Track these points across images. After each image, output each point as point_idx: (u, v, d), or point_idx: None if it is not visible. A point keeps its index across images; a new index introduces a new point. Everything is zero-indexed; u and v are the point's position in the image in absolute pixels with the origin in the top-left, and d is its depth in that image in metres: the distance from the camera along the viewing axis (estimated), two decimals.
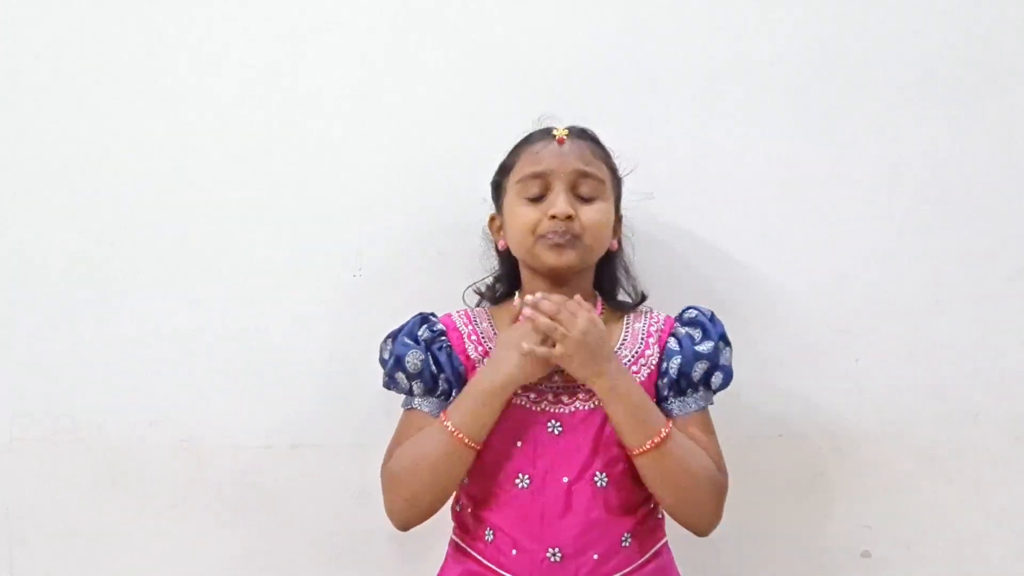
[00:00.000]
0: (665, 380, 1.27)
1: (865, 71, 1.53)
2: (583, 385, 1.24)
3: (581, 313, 1.20)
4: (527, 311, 1.21)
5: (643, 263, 1.41)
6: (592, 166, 1.26)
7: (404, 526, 1.27)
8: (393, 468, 1.26)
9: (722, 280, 1.55)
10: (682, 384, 1.26)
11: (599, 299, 1.34)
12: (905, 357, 1.56)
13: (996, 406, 1.56)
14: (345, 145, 1.55)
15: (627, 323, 1.33)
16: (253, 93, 1.54)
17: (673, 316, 1.34)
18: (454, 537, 1.33)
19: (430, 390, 1.28)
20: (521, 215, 1.26)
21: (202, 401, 1.56)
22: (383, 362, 1.32)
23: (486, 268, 1.43)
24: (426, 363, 1.26)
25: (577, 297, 1.24)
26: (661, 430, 1.20)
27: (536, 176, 1.25)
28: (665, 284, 1.44)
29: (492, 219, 1.36)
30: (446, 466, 1.22)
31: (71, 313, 1.55)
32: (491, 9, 1.53)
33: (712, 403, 1.30)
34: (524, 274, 1.33)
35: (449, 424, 1.21)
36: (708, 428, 1.28)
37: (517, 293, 1.33)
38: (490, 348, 1.29)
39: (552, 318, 1.19)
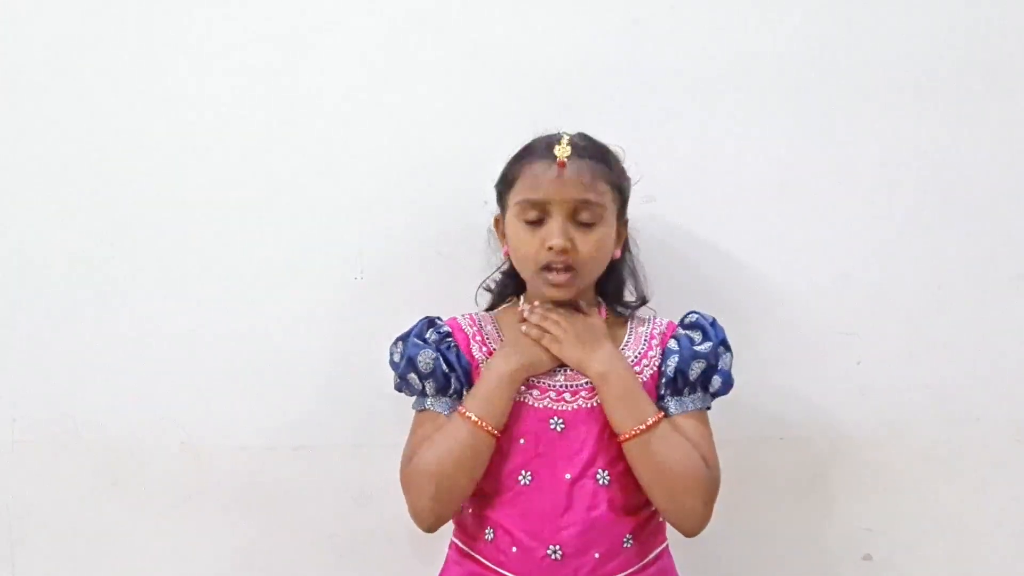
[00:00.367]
0: (663, 380, 1.27)
1: (866, 71, 1.53)
2: (586, 383, 1.26)
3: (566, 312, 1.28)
4: (524, 328, 1.28)
5: (644, 264, 1.40)
6: (592, 192, 1.24)
7: (432, 526, 1.27)
8: (418, 467, 1.25)
9: (723, 281, 1.55)
10: (679, 383, 1.26)
11: (602, 304, 1.35)
12: (906, 358, 1.56)
13: (997, 407, 1.56)
14: (346, 146, 1.55)
15: (631, 327, 1.34)
16: (254, 94, 1.55)
17: (676, 321, 1.34)
18: (454, 539, 1.33)
19: (442, 389, 1.28)
20: (521, 241, 1.26)
21: (203, 402, 1.56)
22: (394, 365, 1.32)
23: (490, 267, 1.43)
24: (437, 362, 1.27)
25: (581, 303, 1.30)
26: (649, 418, 1.22)
27: (534, 204, 1.25)
28: (666, 286, 1.43)
29: (497, 221, 1.36)
30: (471, 457, 1.23)
31: (72, 313, 1.55)
32: (492, 9, 1.53)
33: (710, 406, 1.30)
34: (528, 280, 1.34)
35: (471, 414, 1.22)
36: (703, 428, 1.28)
37: (522, 297, 1.35)
38: (495, 350, 1.30)
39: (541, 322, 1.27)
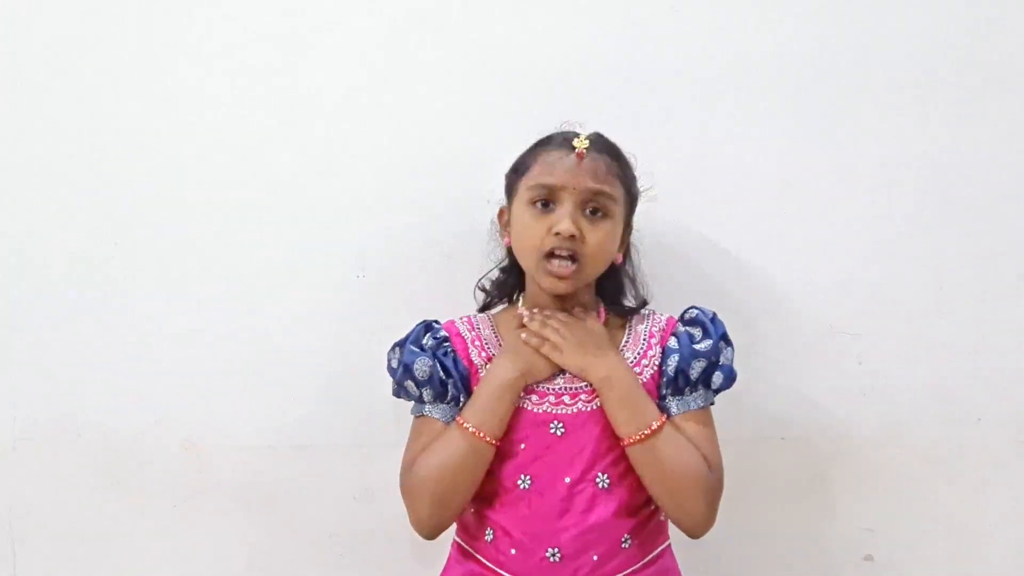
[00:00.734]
0: (664, 379, 1.27)
1: (867, 71, 1.53)
2: (585, 386, 1.26)
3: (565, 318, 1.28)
4: (523, 335, 1.27)
5: (645, 264, 1.40)
6: (606, 184, 1.25)
7: (432, 534, 1.27)
8: (418, 477, 1.25)
9: (724, 281, 1.55)
10: (680, 382, 1.26)
11: (601, 306, 1.34)
12: (908, 359, 1.56)
13: (999, 408, 1.56)
14: (348, 146, 1.55)
15: (630, 326, 1.33)
16: (255, 93, 1.54)
17: (676, 317, 1.34)
18: (457, 538, 1.33)
19: (440, 396, 1.28)
20: (527, 227, 1.26)
21: (204, 401, 1.56)
22: (392, 371, 1.32)
23: (492, 262, 1.42)
24: (434, 369, 1.27)
25: (577, 310, 1.29)
26: (653, 422, 1.22)
27: (547, 187, 1.24)
28: (667, 285, 1.43)
29: (501, 213, 1.36)
30: (471, 467, 1.23)
31: (73, 313, 1.56)
32: (493, 10, 1.53)
33: (712, 403, 1.30)
34: (527, 275, 1.33)
35: (468, 425, 1.22)
36: (707, 428, 1.28)
37: (521, 300, 1.34)
38: (493, 354, 1.30)
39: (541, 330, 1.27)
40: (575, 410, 1.25)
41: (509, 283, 1.38)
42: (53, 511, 1.57)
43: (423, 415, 1.29)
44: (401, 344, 1.31)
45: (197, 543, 1.57)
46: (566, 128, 1.29)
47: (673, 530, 1.30)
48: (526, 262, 1.29)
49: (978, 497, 1.56)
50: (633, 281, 1.38)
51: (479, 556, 1.27)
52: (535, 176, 1.26)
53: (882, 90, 1.53)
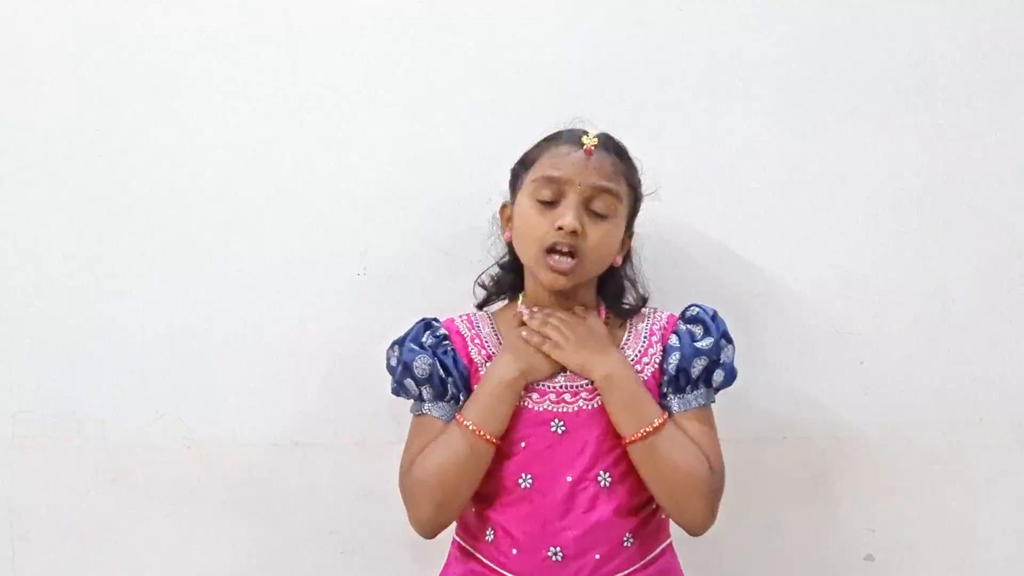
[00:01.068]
0: (665, 377, 1.27)
1: (871, 71, 1.53)
2: (586, 384, 1.25)
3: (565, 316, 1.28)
4: (524, 334, 1.27)
5: (647, 263, 1.40)
6: (612, 182, 1.24)
7: (432, 533, 1.27)
8: (417, 477, 1.25)
9: (726, 280, 1.54)
10: (681, 381, 1.26)
11: (602, 305, 1.34)
12: (910, 359, 1.56)
13: (1001, 409, 1.56)
14: (350, 144, 1.54)
15: (630, 325, 1.33)
16: (258, 92, 1.54)
17: (677, 315, 1.34)
18: (457, 537, 1.33)
19: (439, 394, 1.28)
20: (531, 221, 1.25)
21: (205, 399, 1.56)
22: (391, 369, 1.32)
23: (492, 258, 1.41)
24: (434, 367, 1.27)
25: (578, 308, 1.29)
26: (654, 420, 1.22)
27: (553, 180, 1.24)
28: (668, 284, 1.43)
29: (504, 208, 1.35)
30: (471, 466, 1.23)
31: (74, 310, 1.56)
32: (495, 9, 1.53)
33: (714, 401, 1.30)
34: (527, 272, 1.33)
35: (469, 423, 1.22)
36: (708, 426, 1.28)
37: (521, 297, 1.34)
38: (493, 353, 1.29)
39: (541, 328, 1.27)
40: (576, 408, 1.25)
41: (508, 279, 1.38)
42: (53, 508, 1.57)
43: (422, 414, 1.29)
44: (400, 342, 1.31)
45: (197, 540, 1.57)
46: (575, 126, 1.29)
47: (674, 529, 1.30)
48: (527, 256, 1.28)
49: (979, 497, 1.56)
50: (634, 283, 1.37)
51: (480, 556, 1.27)
52: (542, 168, 1.25)
53: (884, 90, 1.53)
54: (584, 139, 1.24)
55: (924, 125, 1.53)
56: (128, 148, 1.55)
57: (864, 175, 1.54)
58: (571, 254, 1.23)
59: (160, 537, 1.57)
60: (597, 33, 1.53)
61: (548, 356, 1.26)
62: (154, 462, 1.56)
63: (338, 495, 1.56)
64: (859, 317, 1.55)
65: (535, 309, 1.29)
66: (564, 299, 1.30)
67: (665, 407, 1.25)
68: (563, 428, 1.24)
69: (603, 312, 1.33)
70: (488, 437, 1.22)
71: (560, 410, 1.25)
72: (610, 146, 1.27)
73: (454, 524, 1.31)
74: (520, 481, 1.24)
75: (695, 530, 1.25)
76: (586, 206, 1.24)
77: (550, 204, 1.24)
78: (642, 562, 1.25)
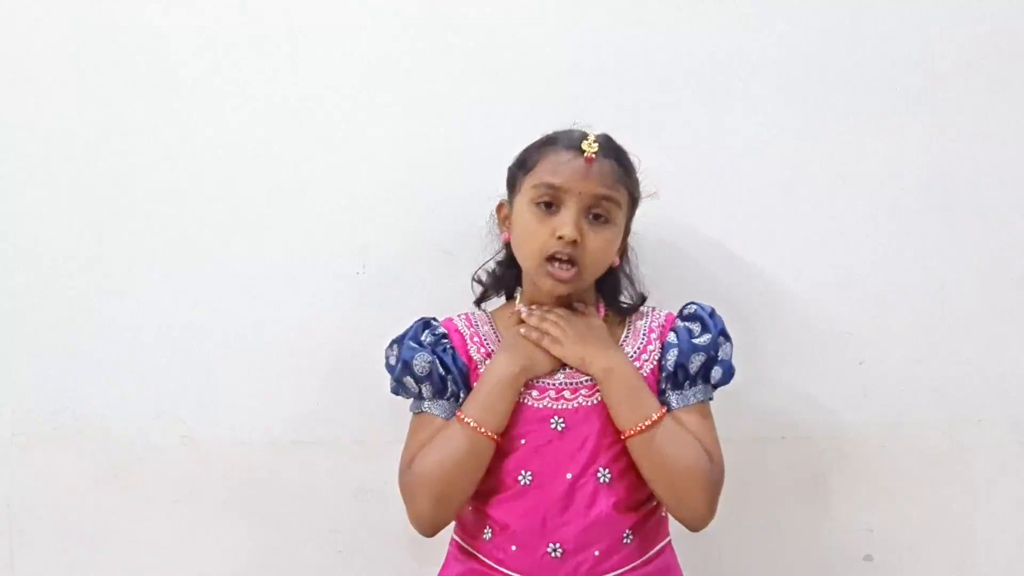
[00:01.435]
0: (664, 374, 1.27)
1: (871, 71, 1.53)
2: (586, 381, 1.26)
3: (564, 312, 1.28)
4: (523, 330, 1.28)
5: (646, 263, 1.40)
6: (611, 190, 1.24)
7: (432, 531, 1.26)
8: (417, 473, 1.24)
9: (725, 280, 1.55)
10: (679, 377, 1.26)
11: (601, 303, 1.34)
12: (909, 359, 1.56)
13: (1000, 409, 1.56)
14: (350, 143, 1.55)
15: (629, 322, 1.34)
16: (258, 90, 1.54)
17: (675, 313, 1.34)
18: (455, 536, 1.32)
19: (439, 392, 1.28)
20: (529, 228, 1.25)
21: (204, 397, 1.56)
22: (390, 368, 1.32)
23: (490, 255, 1.41)
24: (433, 365, 1.27)
25: (577, 305, 1.30)
26: (653, 414, 1.22)
27: (552, 188, 1.24)
28: (668, 283, 1.43)
29: (500, 206, 1.35)
30: (471, 462, 1.23)
31: (73, 308, 1.55)
32: (494, 8, 1.53)
33: (712, 397, 1.30)
34: (525, 271, 1.33)
35: (469, 420, 1.22)
36: (706, 422, 1.28)
37: (519, 292, 1.34)
38: (492, 351, 1.30)
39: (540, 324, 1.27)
40: (575, 405, 1.25)
41: (506, 277, 1.38)
42: (52, 506, 1.57)
43: (422, 412, 1.29)
44: (399, 341, 1.31)
45: (196, 539, 1.57)
46: (574, 127, 1.29)
47: (673, 528, 1.30)
48: (526, 264, 1.28)
49: (979, 498, 1.57)
50: (631, 281, 1.38)
51: (479, 554, 1.27)
52: (541, 175, 1.25)
53: (884, 90, 1.53)
54: (584, 145, 1.24)
55: (924, 125, 1.54)
56: (128, 148, 1.55)
57: (864, 175, 1.54)
58: (571, 261, 1.23)
59: (159, 536, 1.57)
60: (597, 33, 1.53)
61: (548, 352, 1.26)
62: (153, 461, 1.56)
63: (337, 494, 1.56)
64: (859, 317, 1.55)
65: (533, 307, 1.30)
66: (563, 297, 1.30)
67: (664, 403, 1.25)
68: (563, 424, 1.24)
69: (602, 309, 1.34)
70: (488, 434, 1.22)
71: (560, 407, 1.25)
72: (610, 151, 1.26)
73: (453, 523, 1.31)
74: (520, 478, 1.24)
75: (695, 525, 1.25)
76: (585, 213, 1.24)
77: (549, 210, 1.24)
78: (641, 559, 1.24)
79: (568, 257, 1.23)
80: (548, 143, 1.28)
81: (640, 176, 1.31)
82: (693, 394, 1.27)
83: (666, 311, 1.34)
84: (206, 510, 1.57)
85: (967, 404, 1.56)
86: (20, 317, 1.56)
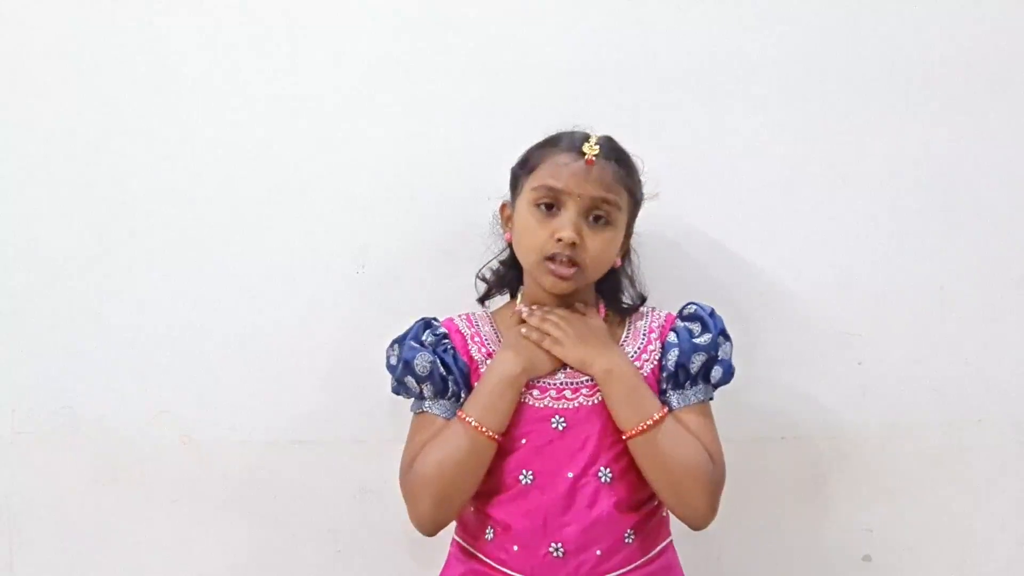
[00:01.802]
0: (664, 374, 1.27)
1: (871, 71, 1.53)
2: (587, 381, 1.26)
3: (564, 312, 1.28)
4: (524, 331, 1.28)
5: (646, 263, 1.40)
6: (612, 192, 1.24)
7: (433, 531, 1.26)
8: (418, 472, 1.24)
9: (725, 280, 1.55)
10: (680, 377, 1.26)
11: (601, 303, 1.35)
12: (909, 359, 1.56)
13: (1000, 409, 1.56)
14: (349, 142, 1.55)
15: (629, 323, 1.34)
16: (258, 90, 1.54)
17: (675, 314, 1.34)
18: (456, 537, 1.32)
19: (440, 392, 1.28)
20: (530, 229, 1.25)
21: (204, 396, 1.56)
22: (391, 368, 1.32)
23: (492, 255, 1.41)
24: (434, 365, 1.27)
25: (577, 305, 1.29)
26: (654, 414, 1.22)
27: (552, 190, 1.24)
28: (668, 283, 1.43)
29: (503, 207, 1.35)
30: (472, 462, 1.22)
31: (72, 307, 1.55)
32: (494, 8, 1.53)
33: (712, 397, 1.30)
34: (526, 271, 1.33)
35: (471, 420, 1.22)
36: (707, 421, 1.28)
37: (520, 293, 1.34)
38: (493, 351, 1.30)
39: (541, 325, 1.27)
40: (576, 404, 1.26)
41: (509, 276, 1.38)
42: (51, 505, 1.57)
43: (423, 412, 1.29)
44: (400, 340, 1.31)
45: (195, 538, 1.57)
46: (576, 128, 1.29)
47: (674, 528, 1.30)
48: (527, 263, 1.29)
49: (978, 498, 1.57)
50: (632, 282, 1.38)
51: (480, 555, 1.27)
52: (541, 177, 1.25)
53: (884, 90, 1.53)
54: (585, 147, 1.24)
55: (924, 125, 1.54)
56: (128, 148, 1.55)
57: (864, 175, 1.54)
58: (571, 262, 1.23)
59: (159, 535, 1.57)
60: (597, 33, 1.53)
61: (548, 352, 1.26)
62: (153, 460, 1.56)
63: (337, 493, 1.56)
64: (859, 317, 1.55)
65: (534, 307, 1.30)
66: (563, 297, 1.30)
67: (665, 403, 1.25)
68: (564, 424, 1.25)
69: (603, 310, 1.34)
70: (490, 433, 1.22)
71: (561, 406, 1.25)
72: (611, 153, 1.26)
73: (453, 524, 1.31)
74: (521, 477, 1.24)
75: (697, 523, 1.25)
76: (586, 216, 1.24)
77: (549, 212, 1.25)
78: (643, 559, 1.24)
79: (568, 258, 1.23)
80: (550, 144, 1.29)
81: (642, 177, 1.31)
82: (694, 394, 1.27)
83: (666, 311, 1.34)
84: (206, 510, 1.57)
85: (967, 404, 1.56)
86: (20, 317, 1.56)
